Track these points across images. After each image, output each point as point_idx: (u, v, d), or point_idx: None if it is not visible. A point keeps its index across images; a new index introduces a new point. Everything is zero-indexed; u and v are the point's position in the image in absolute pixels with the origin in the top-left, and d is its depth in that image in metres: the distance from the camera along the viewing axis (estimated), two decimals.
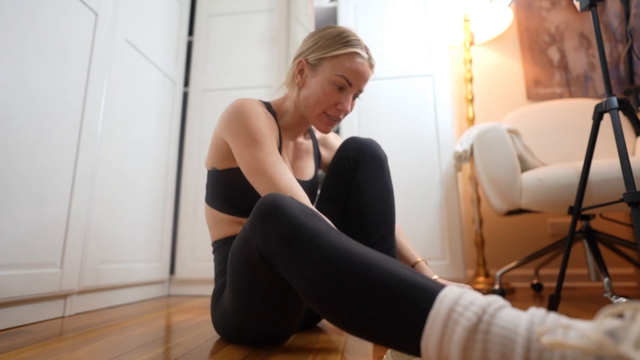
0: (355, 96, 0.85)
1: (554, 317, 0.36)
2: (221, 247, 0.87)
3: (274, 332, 0.74)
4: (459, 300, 0.39)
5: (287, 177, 0.72)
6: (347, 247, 0.49)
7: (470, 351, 0.36)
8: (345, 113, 0.84)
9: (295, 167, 0.91)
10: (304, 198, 0.71)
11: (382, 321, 0.43)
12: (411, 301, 0.41)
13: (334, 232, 0.52)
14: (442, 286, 0.42)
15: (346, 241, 0.50)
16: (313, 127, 1.02)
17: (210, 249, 1.74)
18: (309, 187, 0.92)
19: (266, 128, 0.78)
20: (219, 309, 0.78)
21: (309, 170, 0.94)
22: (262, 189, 0.73)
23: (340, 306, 0.46)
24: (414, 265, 0.89)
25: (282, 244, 0.53)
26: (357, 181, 0.84)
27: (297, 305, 0.71)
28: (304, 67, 0.85)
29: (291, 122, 0.89)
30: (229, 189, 0.84)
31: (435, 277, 0.84)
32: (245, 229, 0.63)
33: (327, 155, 1.04)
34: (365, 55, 0.81)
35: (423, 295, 0.41)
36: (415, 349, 0.41)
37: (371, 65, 0.84)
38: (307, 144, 0.97)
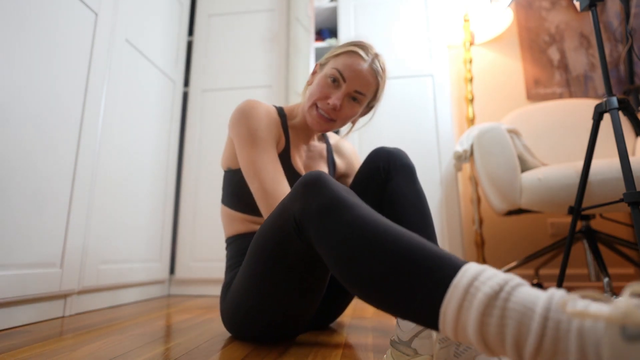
0: (355, 100, 0.84)
1: (573, 296, 0.37)
2: (233, 243, 0.89)
3: (284, 320, 0.73)
4: (482, 273, 0.40)
5: (274, 178, 0.76)
6: (378, 219, 0.52)
7: (488, 317, 0.37)
8: (335, 110, 0.83)
9: (308, 168, 0.94)
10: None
11: (404, 289, 0.44)
12: (434, 270, 0.43)
13: (369, 208, 0.55)
14: (465, 261, 0.44)
15: (379, 216, 0.53)
16: (328, 134, 1.04)
17: (210, 248, 1.74)
18: None
19: (264, 130, 0.81)
20: (229, 297, 0.78)
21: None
22: (252, 189, 0.78)
23: (366, 273, 0.48)
24: None
25: (319, 211, 0.56)
26: (391, 189, 0.82)
27: (313, 292, 0.72)
28: (317, 69, 0.90)
29: (301, 123, 0.92)
30: (243, 187, 0.86)
31: None
32: (285, 201, 0.64)
33: (341, 164, 1.03)
34: (366, 56, 0.83)
35: (447, 265, 0.43)
36: (433, 318, 0.42)
37: (374, 70, 0.83)
38: (321, 147, 0.99)
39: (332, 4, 2.05)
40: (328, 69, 0.84)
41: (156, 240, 1.66)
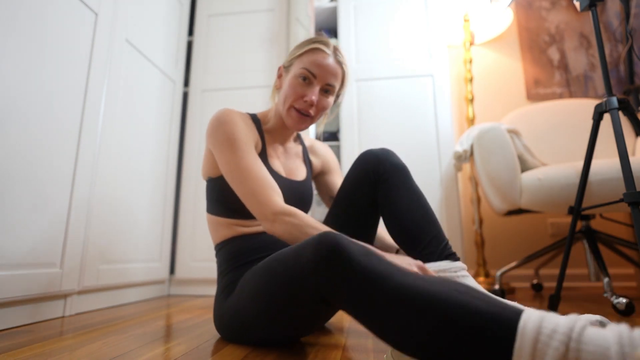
0: (327, 92, 0.88)
1: (639, 333, 0.36)
2: (222, 249, 0.89)
3: (288, 337, 0.73)
4: (541, 329, 0.39)
5: (258, 178, 0.77)
6: (416, 286, 0.49)
7: None
8: (312, 105, 0.85)
9: (287, 168, 0.95)
10: (275, 195, 0.76)
11: (464, 354, 0.43)
12: (492, 336, 0.41)
13: (399, 272, 0.52)
14: (518, 313, 0.42)
15: (412, 280, 0.50)
16: (303, 136, 1.07)
17: (211, 248, 1.74)
18: (302, 187, 0.94)
19: (241, 133, 0.82)
20: (227, 307, 0.78)
21: (300, 171, 0.98)
22: (236, 191, 0.79)
23: (420, 346, 0.46)
24: (398, 250, 0.92)
25: (350, 289, 0.52)
26: (384, 193, 0.80)
27: (323, 320, 0.72)
28: (282, 72, 0.93)
29: (275, 126, 0.94)
30: (225, 193, 0.87)
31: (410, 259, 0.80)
32: (301, 264, 0.60)
33: (317, 162, 1.06)
34: (328, 50, 0.87)
35: (503, 326, 0.41)
36: None
37: (338, 62, 0.88)
38: (297, 149, 1.01)
39: (332, 4, 2.05)
40: (296, 70, 0.86)
41: (156, 240, 1.66)
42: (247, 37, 1.97)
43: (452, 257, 0.73)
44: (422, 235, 0.75)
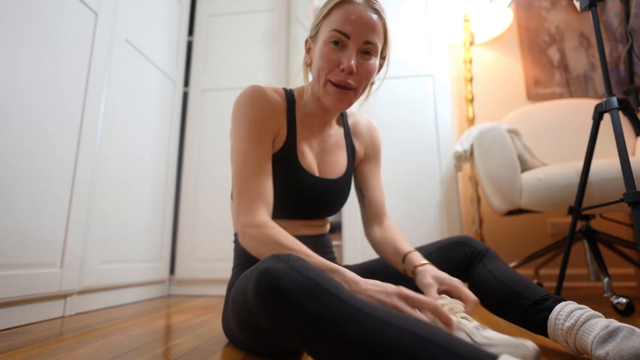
0: (368, 53, 0.71)
1: None
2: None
3: (275, 352, 0.71)
4: None
5: (252, 178, 0.69)
6: (369, 335, 0.42)
7: None
8: (352, 73, 0.69)
9: (323, 162, 0.83)
10: (257, 203, 0.67)
11: None
12: None
13: (351, 312, 0.44)
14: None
15: (366, 325, 0.43)
16: (347, 112, 0.93)
17: (210, 248, 1.74)
18: (338, 186, 0.83)
19: (259, 121, 0.73)
20: (229, 314, 0.74)
21: (339, 165, 0.84)
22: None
23: None
24: (405, 255, 0.78)
25: (295, 333, 0.47)
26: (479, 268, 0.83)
27: None
28: (309, 45, 0.79)
29: (313, 110, 0.81)
30: None
31: (425, 262, 0.75)
32: (247, 301, 0.53)
33: (360, 148, 0.90)
34: (357, 0, 0.70)
35: None
36: None
37: (374, 9, 0.70)
38: (339, 134, 0.87)
39: None
40: (325, 35, 0.71)
41: (156, 240, 1.66)
42: (247, 37, 1.97)
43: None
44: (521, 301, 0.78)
